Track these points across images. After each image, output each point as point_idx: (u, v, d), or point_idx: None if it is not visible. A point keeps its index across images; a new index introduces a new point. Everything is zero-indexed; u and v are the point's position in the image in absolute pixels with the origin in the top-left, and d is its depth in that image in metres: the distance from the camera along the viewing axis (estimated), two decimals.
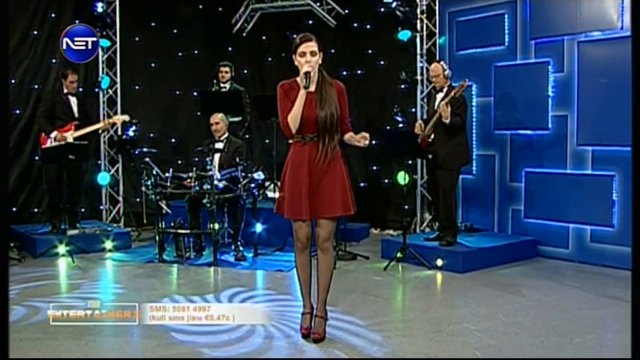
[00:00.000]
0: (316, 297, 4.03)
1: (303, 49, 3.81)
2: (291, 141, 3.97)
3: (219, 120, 6.88)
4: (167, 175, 6.45)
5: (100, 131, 7.42)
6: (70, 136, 6.93)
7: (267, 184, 7.57)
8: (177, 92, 8.96)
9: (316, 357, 3.81)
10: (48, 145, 6.86)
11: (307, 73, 3.77)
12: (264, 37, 9.30)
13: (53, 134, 6.88)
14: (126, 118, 7.66)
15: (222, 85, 7.98)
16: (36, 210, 7.75)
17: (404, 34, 7.63)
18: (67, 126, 6.96)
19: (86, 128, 7.03)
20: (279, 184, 7.29)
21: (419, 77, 7.79)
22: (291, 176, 3.92)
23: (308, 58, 3.80)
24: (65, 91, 7.04)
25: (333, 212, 3.91)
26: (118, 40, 8.07)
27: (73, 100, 7.09)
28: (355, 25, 8.59)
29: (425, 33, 7.73)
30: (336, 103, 3.88)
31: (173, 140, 8.95)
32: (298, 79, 3.89)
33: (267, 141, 8.93)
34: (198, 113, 8.35)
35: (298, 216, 3.90)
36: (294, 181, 3.89)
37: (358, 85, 8.40)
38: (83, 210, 8.02)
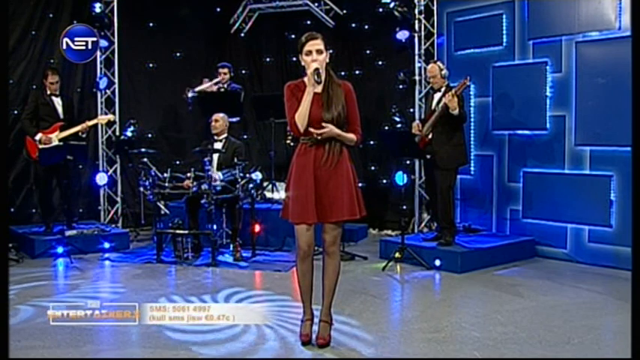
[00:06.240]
0: (321, 301, 3.97)
1: (309, 47, 3.77)
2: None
3: (219, 118, 6.88)
4: (165, 175, 6.45)
5: (81, 134, 6.99)
6: (56, 137, 6.86)
7: (265, 184, 7.58)
8: (176, 93, 8.94)
9: (315, 357, 3.81)
10: (40, 146, 6.79)
11: (316, 70, 3.72)
12: (262, 38, 9.30)
13: (38, 136, 6.81)
14: (110, 117, 7.62)
15: (221, 86, 7.97)
16: (34, 211, 7.72)
17: (402, 35, 7.64)
18: (51, 127, 6.90)
19: (71, 129, 6.92)
20: (277, 184, 7.46)
21: (417, 77, 7.80)
22: (296, 179, 3.83)
23: (314, 56, 3.76)
24: (48, 92, 6.96)
25: (338, 217, 3.81)
26: (116, 40, 8.05)
27: (57, 101, 7.01)
28: (353, 25, 8.60)
29: (423, 33, 7.74)
30: (343, 104, 3.83)
31: (171, 141, 8.94)
32: (305, 79, 3.82)
33: (265, 141, 8.92)
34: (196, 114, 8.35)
35: (303, 220, 3.78)
36: (300, 183, 3.80)
37: (356, 86, 8.18)
38: (81, 210, 8.02)
